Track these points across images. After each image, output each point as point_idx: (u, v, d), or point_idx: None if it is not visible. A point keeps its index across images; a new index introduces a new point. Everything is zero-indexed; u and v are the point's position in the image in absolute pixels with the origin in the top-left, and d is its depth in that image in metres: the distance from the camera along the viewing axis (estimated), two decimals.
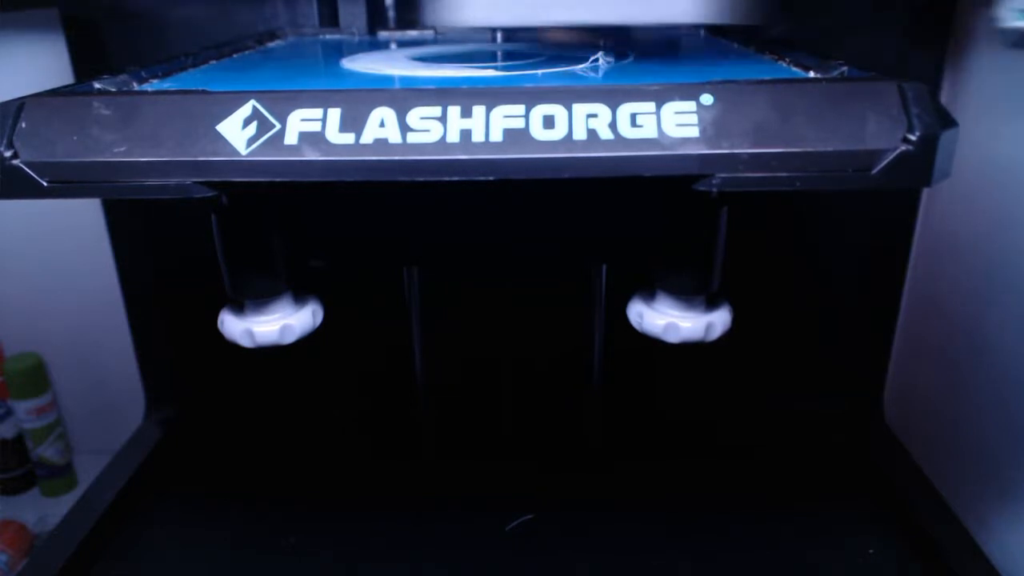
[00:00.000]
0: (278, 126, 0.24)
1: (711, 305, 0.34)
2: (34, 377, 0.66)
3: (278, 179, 0.24)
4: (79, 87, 0.28)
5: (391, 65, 0.35)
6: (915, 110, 0.24)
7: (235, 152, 0.24)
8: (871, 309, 0.59)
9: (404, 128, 0.24)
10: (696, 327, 0.33)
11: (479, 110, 0.24)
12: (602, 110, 0.24)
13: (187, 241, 0.44)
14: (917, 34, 0.51)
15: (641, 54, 0.37)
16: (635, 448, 0.56)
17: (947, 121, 0.24)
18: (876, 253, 0.57)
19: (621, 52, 0.37)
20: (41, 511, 0.66)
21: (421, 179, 0.24)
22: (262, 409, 0.61)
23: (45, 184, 0.24)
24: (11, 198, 0.25)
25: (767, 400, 0.61)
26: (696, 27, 0.46)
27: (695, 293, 0.33)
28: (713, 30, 0.45)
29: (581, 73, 0.32)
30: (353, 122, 0.24)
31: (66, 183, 0.24)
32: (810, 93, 0.24)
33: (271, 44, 0.46)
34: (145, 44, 0.52)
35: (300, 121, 0.24)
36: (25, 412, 0.66)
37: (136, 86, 0.30)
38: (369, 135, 0.24)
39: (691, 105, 0.24)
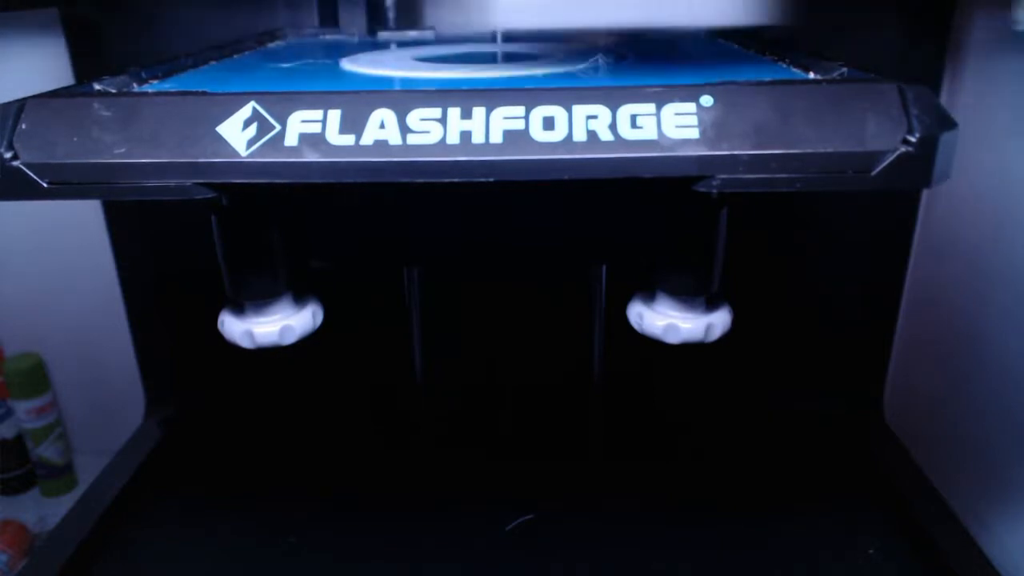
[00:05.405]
0: (278, 127, 0.24)
1: (711, 306, 0.34)
2: (34, 377, 0.66)
3: (278, 180, 0.24)
4: (79, 88, 0.28)
5: (392, 66, 0.35)
6: (915, 111, 0.24)
7: (235, 153, 0.24)
8: (871, 309, 0.59)
9: (404, 129, 0.24)
10: (696, 328, 0.33)
11: (479, 111, 0.24)
12: (602, 111, 0.24)
13: (187, 241, 0.44)
14: (917, 34, 0.50)
15: (641, 55, 0.37)
16: (635, 448, 0.56)
17: (947, 122, 0.24)
18: (876, 253, 0.57)
19: (621, 53, 0.37)
20: (41, 511, 0.66)
21: (421, 180, 0.24)
22: (262, 409, 0.61)
23: (45, 185, 0.24)
24: (11, 199, 0.24)
25: (767, 400, 0.61)
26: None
27: (695, 294, 0.33)
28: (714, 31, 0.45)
29: (581, 75, 0.32)
30: (353, 123, 0.24)
31: (66, 184, 0.24)
32: (810, 94, 0.24)
33: (271, 45, 0.46)
34: (145, 44, 0.52)
35: (300, 122, 0.24)
36: (25, 412, 0.66)
37: (136, 87, 0.30)
38: (369, 136, 0.24)
39: (691, 106, 0.24)
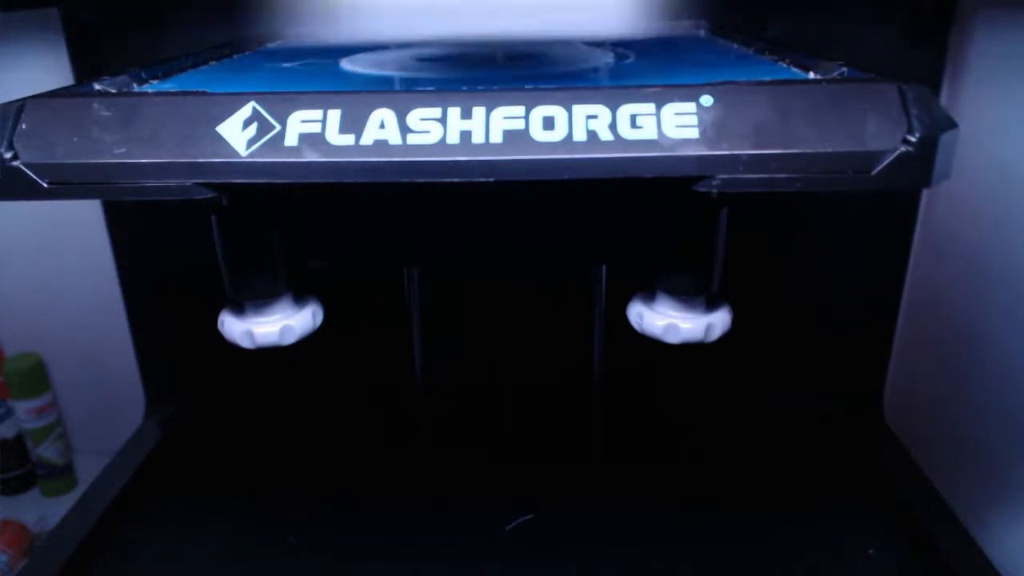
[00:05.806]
0: (278, 127, 0.24)
1: (711, 306, 0.34)
2: (34, 377, 0.66)
3: (278, 180, 0.24)
4: (79, 88, 0.28)
5: (392, 66, 0.35)
6: (915, 111, 0.24)
7: (235, 153, 0.24)
8: (871, 309, 0.59)
9: (404, 129, 0.24)
10: (696, 328, 0.33)
11: (479, 111, 0.24)
12: (602, 111, 0.24)
13: (187, 241, 0.43)
14: (917, 34, 0.50)
15: (641, 55, 0.37)
16: (635, 448, 0.56)
17: (947, 122, 0.24)
18: (876, 253, 0.57)
19: (621, 53, 0.37)
20: (41, 511, 0.66)
21: (421, 180, 0.24)
22: (262, 409, 0.61)
23: (45, 185, 0.24)
24: (11, 199, 0.25)
25: (767, 400, 0.61)
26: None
27: (695, 294, 0.33)
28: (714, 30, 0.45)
29: (581, 75, 0.32)
30: (353, 123, 0.24)
31: (66, 184, 0.24)
32: (810, 94, 0.24)
33: (271, 45, 0.46)
34: (145, 44, 0.52)
35: (300, 122, 0.24)
36: (25, 412, 0.66)
37: (136, 87, 0.30)
38: (369, 136, 0.24)
39: (691, 106, 0.24)
